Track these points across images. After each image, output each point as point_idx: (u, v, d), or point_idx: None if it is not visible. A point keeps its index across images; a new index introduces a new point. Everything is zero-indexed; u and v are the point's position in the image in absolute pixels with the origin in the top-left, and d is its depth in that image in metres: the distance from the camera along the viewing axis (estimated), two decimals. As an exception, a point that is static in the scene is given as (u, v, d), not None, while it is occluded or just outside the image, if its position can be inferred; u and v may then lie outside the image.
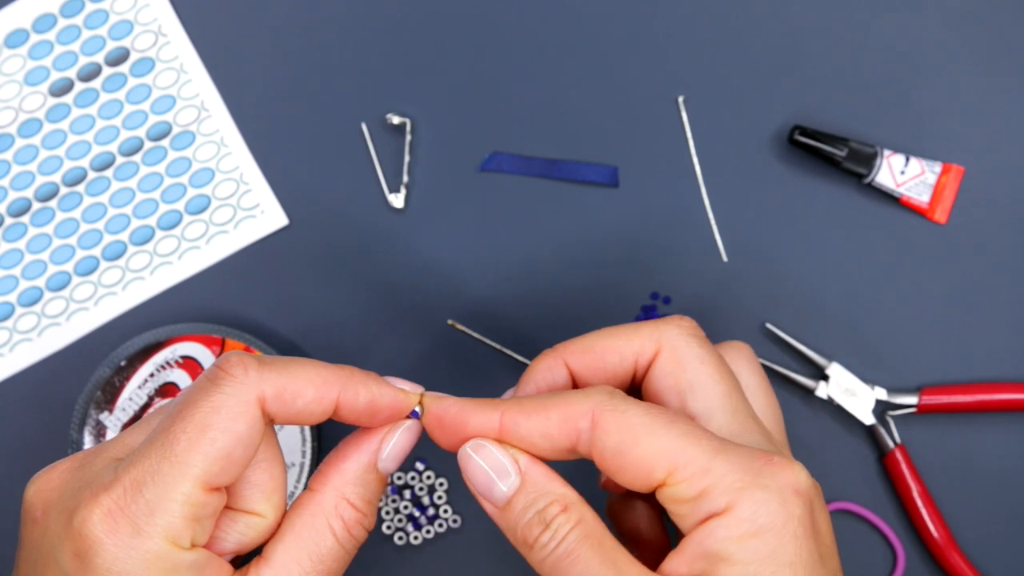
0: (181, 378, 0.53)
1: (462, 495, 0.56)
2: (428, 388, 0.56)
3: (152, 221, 0.57)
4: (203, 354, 0.53)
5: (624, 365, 0.40)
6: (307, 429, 0.54)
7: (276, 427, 0.53)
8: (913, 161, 0.56)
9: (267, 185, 0.57)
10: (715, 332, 0.56)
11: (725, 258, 0.57)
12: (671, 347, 0.40)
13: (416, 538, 0.55)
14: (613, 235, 0.57)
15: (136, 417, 0.53)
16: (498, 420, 0.39)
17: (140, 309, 0.56)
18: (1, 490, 0.56)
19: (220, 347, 0.53)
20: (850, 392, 0.55)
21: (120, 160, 0.57)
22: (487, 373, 0.56)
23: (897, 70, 0.57)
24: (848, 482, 0.56)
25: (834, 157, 0.55)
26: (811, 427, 0.56)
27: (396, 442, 0.41)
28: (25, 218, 0.56)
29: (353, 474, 0.39)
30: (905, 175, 0.55)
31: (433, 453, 0.56)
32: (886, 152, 0.55)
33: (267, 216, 0.57)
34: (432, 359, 0.56)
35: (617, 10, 0.57)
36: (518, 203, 0.57)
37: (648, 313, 0.56)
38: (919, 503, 0.55)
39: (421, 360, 0.56)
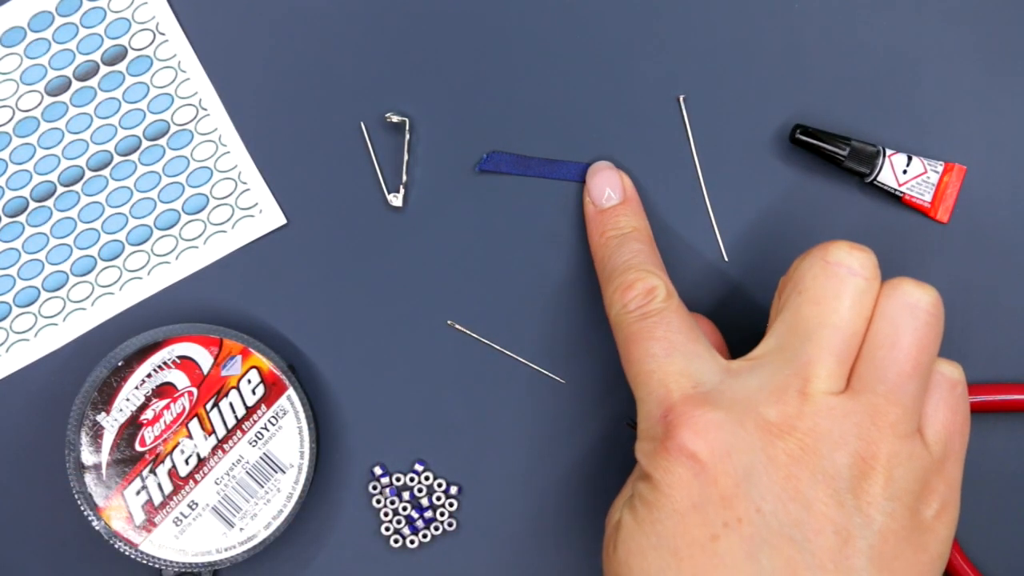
0: (179, 379, 0.53)
1: (461, 497, 0.56)
2: (427, 390, 0.56)
3: (150, 220, 0.56)
4: (201, 355, 0.53)
5: None
6: (306, 431, 0.54)
7: (276, 427, 0.53)
8: (915, 160, 0.55)
9: (265, 184, 0.56)
10: (716, 332, 0.56)
11: (726, 258, 0.56)
12: None
13: (412, 541, 0.55)
14: (613, 235, 0.56)
15: (133, 418, 0.53)
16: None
17: (137, 309, 0.56)
18: (-2, 491, 0.56)
19: (218, 347, 0.53)
20: (851, 393, 0.55)
21: (117, 159, 0.56)
22: (487, 373, 0.56)
23: (899, 69, 0.57)
24: (849, 483, 0.56)
25: (836, 156, 0.55)
26: (812, 428, 0.56)
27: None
28: (22, 218, 0.56)
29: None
30: (907, 174, 0.55)
31: (433, 454, 0.56)
32: (888, 151, 0.55)
33: (265, 215, 0.56)
34: (431, 359, 0.56)
35: (617, 8, 0.57)
36: (518, 203, 0.56)
37: (648, 313, 0.56)
38: (921, 504, 0.54)
39: (420, 360, 0.56)
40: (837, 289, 0.45)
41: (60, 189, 0.56)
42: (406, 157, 0.56)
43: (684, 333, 0.47)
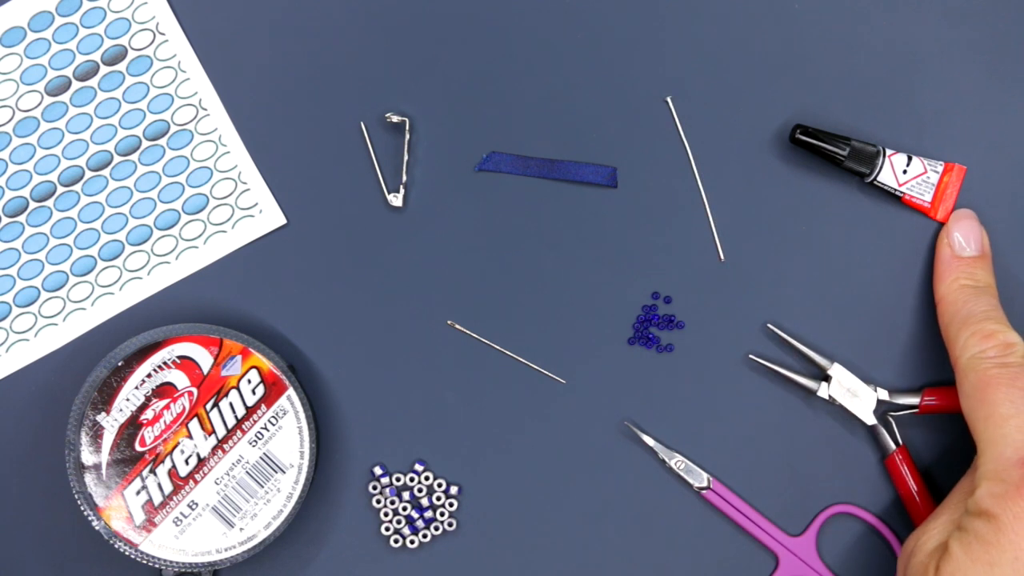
0: (179, 379, 0.53)
1: (461, 497, 0.56)
2: (427, 390, 0.56)
3: (149, 220, 0.56)
4: (200, 355, 0.53)
5: None
6: (306, 431, 0.53)
7: (276, 427, 0.53)
8: (915, 160, 0.55)
9: (265, 184, 0.56)
10: (715, 332, 0.56)
11: (722, 258, 0.56)
12: None
13: (412, 541, 0.55)
14: (613, 235, 0.56)
15: (133, 418, 0.53)
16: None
17: (137, 309, 0.56)
18: (-2, 491, 0.56)
19: (218, 347, 0.53)
20: (852, 393, 0.55)
21: (117, 159, 0.56)
22: (487, 373, 0.56)
23: (899, 69, 0.57)
24: (849, 483, 0.56)
25: (836, 156, 0.55)
26: (812, 428, 0.56)
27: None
28: (22, 218, 0.56)
29: None
30: (907, 174, 0.55)
31: (433, 454, 0.56)
32: (888, 151, 0.55)
33: (265, 215, 0.56)
34: (431, 359, 0.56)
35: (616, 9, 0.57)
36: (517, 203, 0.56)
37: (648, 313, 0.56)
38: (921, 505, 0.54)
39: (420, 360, 0.56)
40: None
41: (60, 189, 0.56)
42: (406, 157, 0.56)
43: None
